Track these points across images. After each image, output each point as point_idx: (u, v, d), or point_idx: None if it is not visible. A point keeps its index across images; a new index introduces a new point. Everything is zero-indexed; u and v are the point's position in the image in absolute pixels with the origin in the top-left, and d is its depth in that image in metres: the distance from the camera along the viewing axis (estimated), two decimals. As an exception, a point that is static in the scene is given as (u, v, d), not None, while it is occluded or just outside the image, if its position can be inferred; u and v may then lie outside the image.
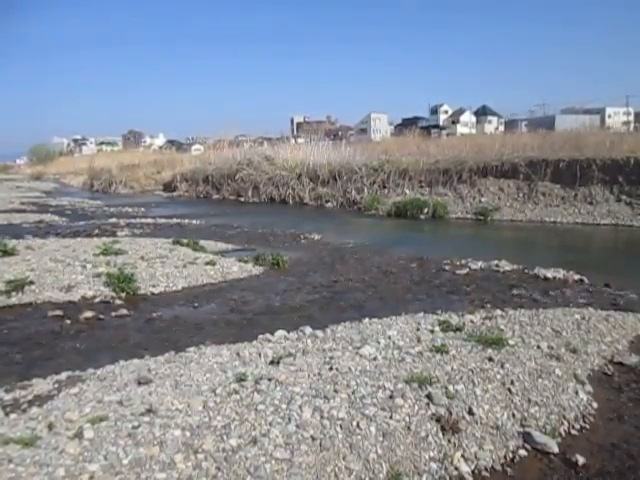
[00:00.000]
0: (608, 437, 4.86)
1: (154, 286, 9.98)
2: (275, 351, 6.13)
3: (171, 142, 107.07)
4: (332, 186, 28.09)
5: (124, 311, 8.56)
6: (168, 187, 40.66)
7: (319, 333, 6.82)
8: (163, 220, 22.03)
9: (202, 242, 14.50)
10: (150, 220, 22.00)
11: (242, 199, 32.24)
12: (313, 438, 4.11)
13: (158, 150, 78.67)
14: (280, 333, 6.87)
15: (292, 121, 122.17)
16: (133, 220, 21.79)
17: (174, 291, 9.93)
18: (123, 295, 9.42)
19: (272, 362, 5.73)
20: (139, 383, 5.19)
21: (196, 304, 9.09)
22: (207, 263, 11.65)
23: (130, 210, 26.95)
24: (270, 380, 5.08)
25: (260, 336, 6.83)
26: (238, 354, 6.07)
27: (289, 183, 29.95)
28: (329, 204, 27.42)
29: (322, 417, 4.38)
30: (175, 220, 21.94)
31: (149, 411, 4.46)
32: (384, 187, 25.84)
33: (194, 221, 21.87)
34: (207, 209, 27.57)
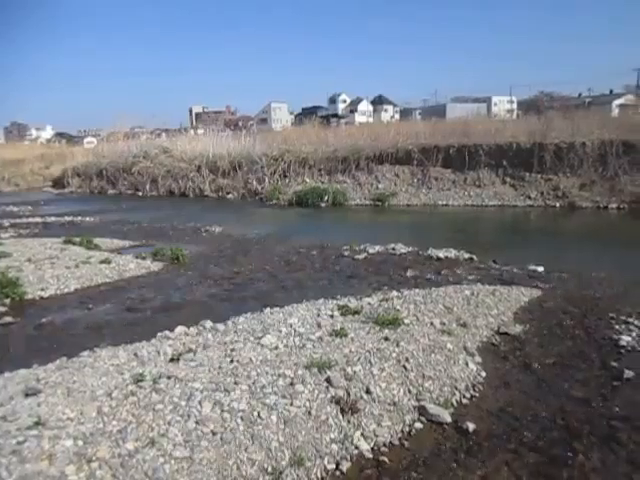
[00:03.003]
0: (496, 403, 5.25)
1: (43, 289, 9.36)
2: (175, 348, 5.98)
3: (60, 135, 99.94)
4: (233, 177, 27.74)
5: (9, 319, 7.97)
6: (58, 183, 38.13)
7: (220, 326, 6.74)
8: (53, 218, 20.74)
9: (97, 240, 13.80)
10: (39, 219, 20.58)
11: (140, 193, 30.98)
12: (214, 433, 4.08)
13: (46, 143, 73.27)
14: (180, 329, 6.71)
15: (191, 112, 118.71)
16: (19, 220, 20.28)
17: (66, 293, 9.38)
18: (7, 301, 8.75)
19: (172, 359, 5.59)
20: (26, 395, 4.85)
21: (90, 305, 8.65)
22: (102, 262, 11.11)
23: (15, 209, 24.98)
24: (169, 378, 4.96)
25: (159, 334, 6.63)
26: (136, 354, 5.86)
27: (188, 175, 29.19)
28: (230, 195, 27.07)
29: (222, 411, 4.35)
30: (67, 218, 20.72)
31: (37, 424, 4.18)
32: (285, 176, 25.91)
33: (88, 218, 20.77)
34: (102, 205, 26.22)
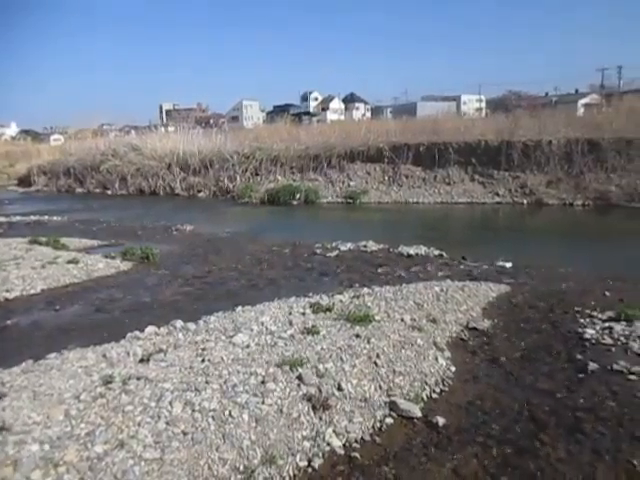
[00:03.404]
0: (465, 397, 5.33)
1: (8, 291, 9.13)
2: (145, 348, 5.90)
3: (26, 132, 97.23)
4: (204, 175, 27.53)
5: (-28, 321, 7.76)
6: (24, 181, 37.26)
7: (191, 326, 6.68)
8: (19, 218, 20.27)
9: (64, 240, 13.52)
10: (3, 219, 20.07)
11: (109, 192, 30.49)
12: (184, 433, 4.05)
13: (10, 141, 71.32)
14: (150, 329, 6.62)
15: (161, 109, 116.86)
16: (-19, 220, 19.72)
17: (32, 294, 9.17)
18: (-31, 304, 8.52)
19: (142, 360, 5.52)
20: (-10, 399, 4.74)
21: (58, 307, 8.48)
22: (69, 262, 10.90)
23: (-22, 209, 24.33)
24: (139, 379, 4.89)
25: (129, 334, 6.53)
26: (105, 355, 5.76)
27: (159, 173, 28.85)
28: (202, 194, 26.85)
29: (193, 410, 4.32)
30: (33, 217, 20.28)
31: (2, 429, 4.08)
32: (257, 174, 25.83)
33: (55, 217, 20.35)
34: (70, 204, 25.72)
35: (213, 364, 5.22)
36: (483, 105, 63.86)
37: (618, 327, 6.85)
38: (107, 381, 4.86)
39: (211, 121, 78.91)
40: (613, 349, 6.28)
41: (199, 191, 27.07)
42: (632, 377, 5.52)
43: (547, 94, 63.84)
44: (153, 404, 4.40)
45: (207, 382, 4.79)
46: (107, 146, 33.70)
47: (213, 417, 4.27)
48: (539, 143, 21.31)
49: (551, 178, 20.87)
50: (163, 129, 52.75)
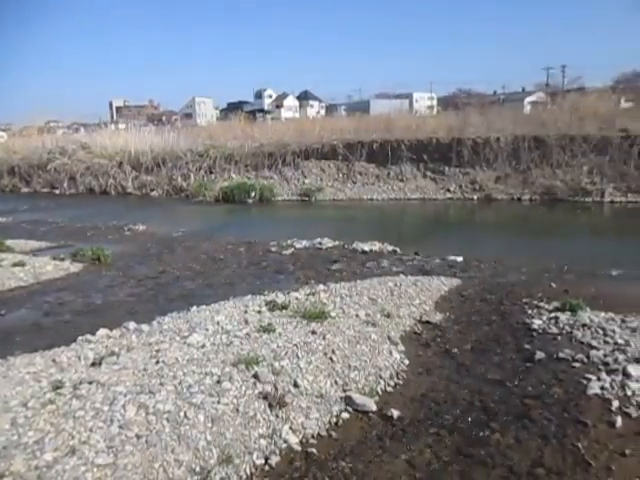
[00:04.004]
0: (418, 389, 5.46)
1: (-52, 296, 8.74)
2: (97, 352, 5.76)
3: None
4: (157, 173, 26.99)
5: None
6: (-40, 182, 35.44)
7: (145, 327, 6.55)
8: (-43, 220, 19.34)
9: (9, 242, 12.99)
10: (-63, 222, 19.11)
11: (57, 191, 29.44)
12: (138, 436, 3.99)
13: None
14: (102, 332, 6.47)
15: (111, 105, 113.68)
16: None
17: (-26, 300, 8.80)
18: None
19: (94, 364, 5.39)
20: None
21: (3, 311, 8.15)
22: (15, 264, 10.50)
23: None
24: (91, 383, 4.78)
25: (80, 338, 6.35)
26: (54, 360, 5.59)
27: (109, 172, 28.08)
28: (154, 192, 26.31)
29: (148, 413, 4.25)
30: (-27, 220, 19.38)
31: (-57, 440, 3.93)
32: (211, 172, 25.53)
33: (-2, 219, 19.53)
34: (15, 204, 24.70)
35: (167, 365, 5.15)
36: (434, 103, 65.11)
37: (563, 317, 7.14)
38: (57, 386, 4.73)
39: (163, 118, 77.50)
40: (559, 338, 6.54)
41: (152, 190, 26.52)
42: (576, 364, 5.77)
43: (495, 92, 65.58)
44: (106, 408, 4.31)
45: (161, 384, 4.73)
46: (54, 144, 32.54)
47: (168, 419, 4.22)
48: (488, 140, 21.90)
49: (499, 174, 21.50)
50: (113, 126, 51.43)
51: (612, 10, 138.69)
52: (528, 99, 51.09)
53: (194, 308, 7.36)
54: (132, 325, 6.64)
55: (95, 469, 3.64)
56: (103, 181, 28.13)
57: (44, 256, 11.69)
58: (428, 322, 7.23)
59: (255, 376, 4.96)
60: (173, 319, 6.90)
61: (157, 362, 5.25)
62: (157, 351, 5.58)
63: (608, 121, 21.72)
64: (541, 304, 7.82)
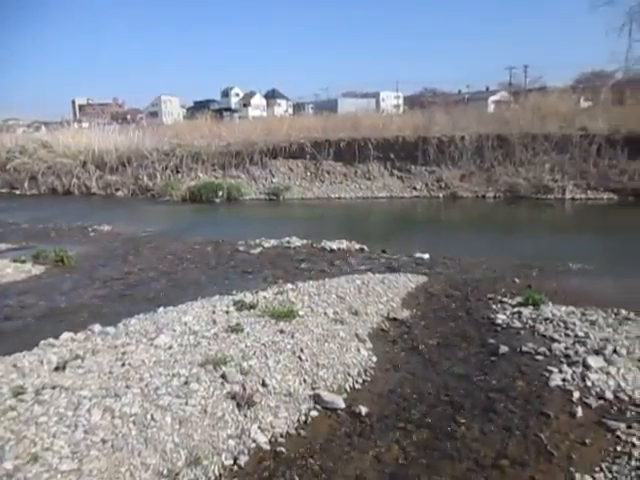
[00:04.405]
0: (386, 385, 5.53)
1: None
2: (60, 356, 5.64)
3: None
4: (122, 173, 26.46)
5: None
6: None
7: (110, 330, 6.45)
8: None
9: (-34, 245, 12.62)
10: None
11: (17, 192, 28.55)
12: (104, 441, 3.93)
13: None
14: (66, 335, 6.34)
15: (74, 103, 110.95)
16: None
17: None
18: None
19: (57, 368, 5.27)
20: None
21: (-40, 317, 7.91)
22: (-28, 268, 10.19)
23: None
24: (54, 388, 4.68)
25: (42, 342, 6.20)
26: (15, 365, 5.45)
27: (73, 172, 27.37)
28: (120, 192, 25.80)
29: (113, 417, 4.20)
30: None
31: None
32: (177, 172, 25.18)
33: (-46, 221, 18.84)
34: (-28, 206, 23.91)
35: (134, 368, 5.09)
36: (401, 102, 65.63)
37: (526, 311, 7.33)
38: (18, 392, 4.62)
39: (128, 117, 76.12)
40: (522, 332, 6.72)
41: (117, 190, 26.00)
42: (539, 357, 5.94)
43: (460, 91, 66.47)
44: (70, 413, 4.24)
45: (128, 387, 4.67)
46: (14, 142, 31.60)
47: (134, 422, 4.17)
48: (453, 139, 22.22)
49: (464, 172, 21.84)
50: (76, 125, 50.22)
51: (571, 10, 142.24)
52: (492, 98, 52.00)
53: (161, 309, 7.28)
54: (97, 328, 6.53)
55: (59, 475, 3.58)
56: (66, 181, 27.43)
57: (4, 258, 11.34)
58: (395, 319, 7.32)
59: (223, 376, 4.94)
60: (140, 321, 6.81)
61: (123, 364, 5.19)
62: (123, 353, 5.51)
63: (568, 120, 22.30)
64: (505, 299, 8.00)
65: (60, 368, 5.25)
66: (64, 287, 9.39)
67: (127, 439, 3.99)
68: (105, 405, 4.34)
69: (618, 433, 4.43)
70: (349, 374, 5.59)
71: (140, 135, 29.55)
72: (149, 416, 4.26)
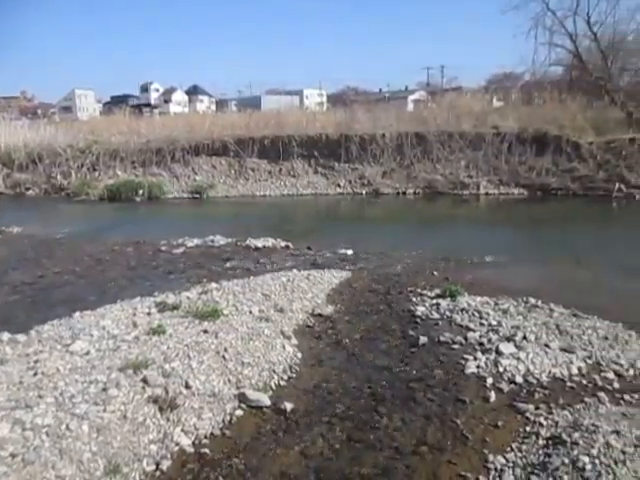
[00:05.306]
0: (311, 381, 5.59)
1: None
2: (-36, 368, 5.28)
3: None
4: (33, 171, 24.99)
5: None
6: None
7: (21, 337, 6.08)
8: None
9: None
10: None
11: None
12: (13, 455, 3.71)
13: None
14: (-30, 346, 5.93)
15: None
16: None
17: None
18: None
19: (-40, 382, 4.93)
20: None
21: None
22: None
23: None
24: (-45, 403, 4.37)
25: (-59, 354, 5.78)
26: None
27: (-24, 170, 25.57)
28: (31, 192, 24.34)
29: (24, 429, 3.97)
30: None
31: None
32: (94, 170, 24.10)
33: None
34: None
35: (47, 376, 4.84)
36: (324, 99, 66.16)
37: (444, 303, 7.64)
38: None
39: (39, 111, 71.90)
40: (440, 323, 7.01)
41: (27, 189, 24.51)
42: (455, 346, 6.22)
43: (381, 90, 68.00)
44: (-25, 428, 3.97)
45: (40, 396, 4.44)
46: None
47: (47, 433, 3.97)
48: (374, 136, 22.70)
49: (386, 169, 22.39)
50: (-21, 120, 46.86)
51: (487, 13, 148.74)
52: (411, 97, 53.47)
53: (77, 314, 6.98)
54: (5, 336, 6.13)
55: (-37, 496, 3.36)
56: (-32, 180, 25.56)
57: None
58: (320, 315, 7.40)
59: (144, 380, 4.81)
60: (54, 327, 6.49)
61: (35, 374, 4.93)
62: (35, 362, 5.23)
63: (482, 119, 23.38)
64: (424, 292, 8.30)
65: (-36, 381, 4.90)
66: (-32, 294, 8.76)
67: (39, 452, 3.79)
68: (15, 417, 4.10)
69: (527, 414, 4.73)
70: (274, 371, 5.61)
71: (52, 131, 28.11)
72: (64, 426, 4.07)
